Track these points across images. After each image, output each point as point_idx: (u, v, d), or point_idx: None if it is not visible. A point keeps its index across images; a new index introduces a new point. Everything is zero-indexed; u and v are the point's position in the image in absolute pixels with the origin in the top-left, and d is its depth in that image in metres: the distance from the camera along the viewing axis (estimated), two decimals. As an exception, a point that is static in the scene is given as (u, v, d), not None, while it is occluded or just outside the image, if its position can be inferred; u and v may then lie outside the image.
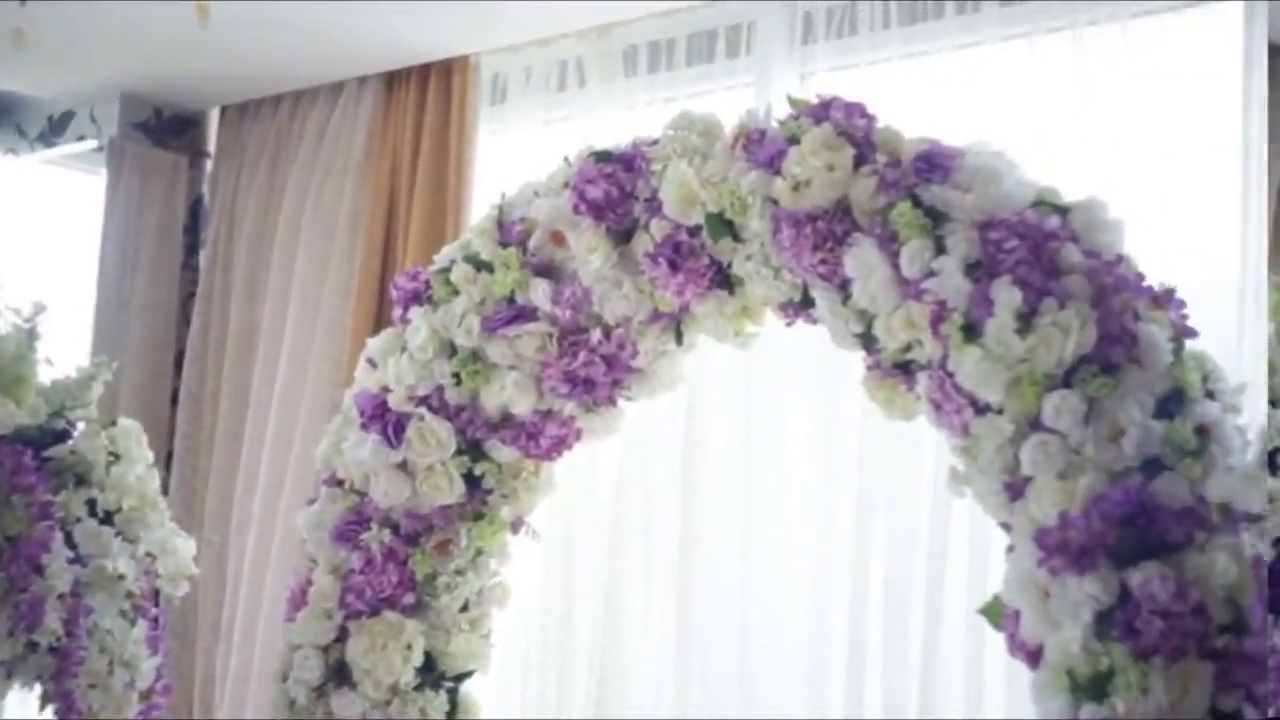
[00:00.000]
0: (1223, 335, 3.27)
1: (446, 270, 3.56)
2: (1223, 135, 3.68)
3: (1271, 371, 1.62)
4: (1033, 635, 2.67)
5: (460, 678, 3.68)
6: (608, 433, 3.68)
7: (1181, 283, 2.82)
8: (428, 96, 5.15)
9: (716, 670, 4.03)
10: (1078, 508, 2.57)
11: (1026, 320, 2.67)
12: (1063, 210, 2.84)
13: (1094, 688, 2.51)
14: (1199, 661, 2.45)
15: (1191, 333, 2.76)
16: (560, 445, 3.61)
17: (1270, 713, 1.46)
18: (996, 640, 2.87)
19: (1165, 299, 2.77)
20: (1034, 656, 2.70)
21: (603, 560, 4.26)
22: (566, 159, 3.49)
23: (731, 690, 3.98)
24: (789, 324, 3.29)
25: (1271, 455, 1.64)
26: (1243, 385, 2.78)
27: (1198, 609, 2.47)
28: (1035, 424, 2.68)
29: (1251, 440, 2.05)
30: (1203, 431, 2.62)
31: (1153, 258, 2.86)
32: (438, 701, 3.61)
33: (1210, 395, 2.72)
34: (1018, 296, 2.67)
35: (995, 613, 2.83)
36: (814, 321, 3.20)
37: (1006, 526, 2.81)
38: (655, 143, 3.34)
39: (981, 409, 2.76)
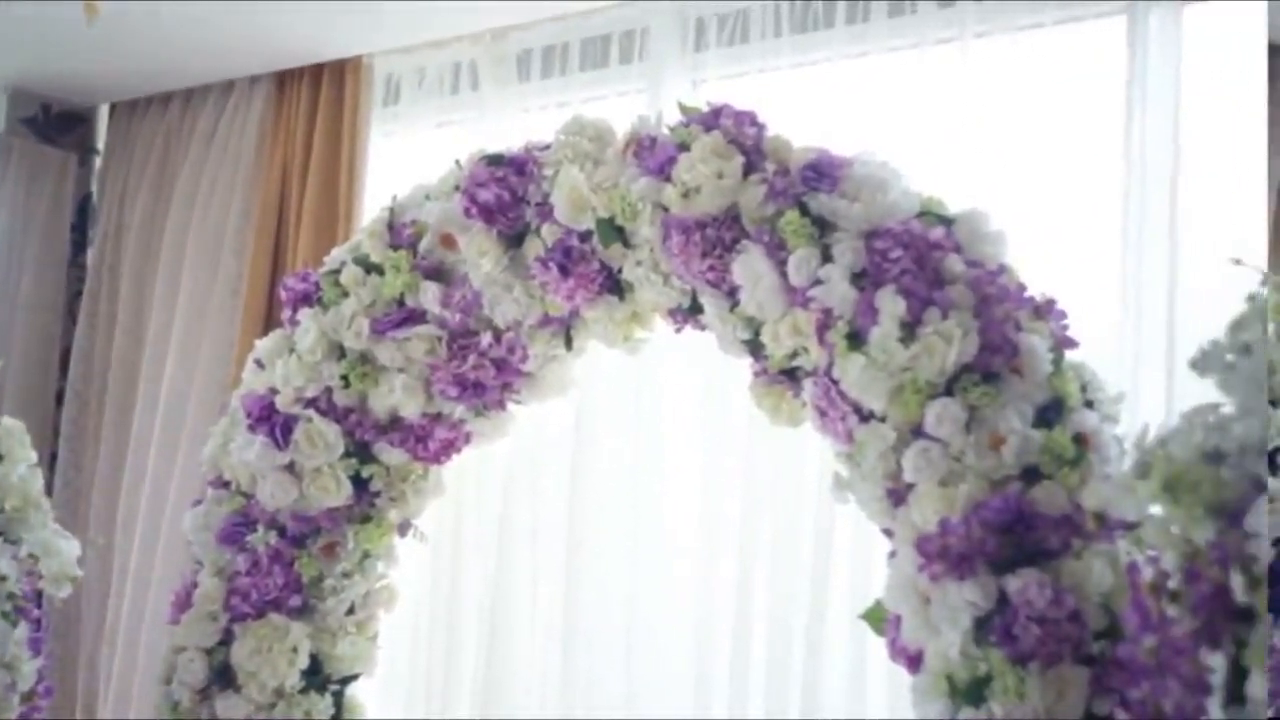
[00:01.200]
0: (1105, 343, 3.32)
1: (336, 272, 3.55)
2: (1107, 146, 3.73)
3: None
4: (913, 640, 2.71)
5: (346, 680, 3.67)
6: (497, 436, 3.69)
7: (1065, 291, 2.88)
8: (320, 97, 5.13)
9: (602, 673, 4.04)
10: (958, 514, 2.61)
11: (910, 329, 2.71)
12: (947, 221, 2.89)
13: (972, 692, 2.56)
14: (1074, 667, 2.50)
15: (1071, 343, 2.81)
16: (449, 448, 3.62)
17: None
18: (878, 645, 2.90)
19: (1046, 309, 2.82)
20: (914, 661, 2.74)
21: (490, 564, 4.27)
22: (458, 162, 3.50)
23: (617, 690, 3.99)
24: (678, 330, 3.32)
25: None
26: (1121, 395, 2.84)
27: (1074, 615, 2.51)
28: (917, 431, 2.72)
29: (1128, 449, 2.09)
30: (1081, 440, 2.67)
31: (1037, 266, 2.91)
32: (323, 704, 3.60)
33: (1089, 404, 2.77)
34: (902, 305, 2.71)
35: (877, 618, 2.87)
36: (702, 328, 3.22)
37: (889, 532, 2.85)
38: (547, 147, 3.36)
39: (865, 416, 2.79)
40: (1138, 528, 2.17)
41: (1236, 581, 1.58)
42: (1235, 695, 1.58)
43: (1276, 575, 1.52)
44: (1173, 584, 1.72)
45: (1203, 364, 1.81)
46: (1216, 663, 1.62)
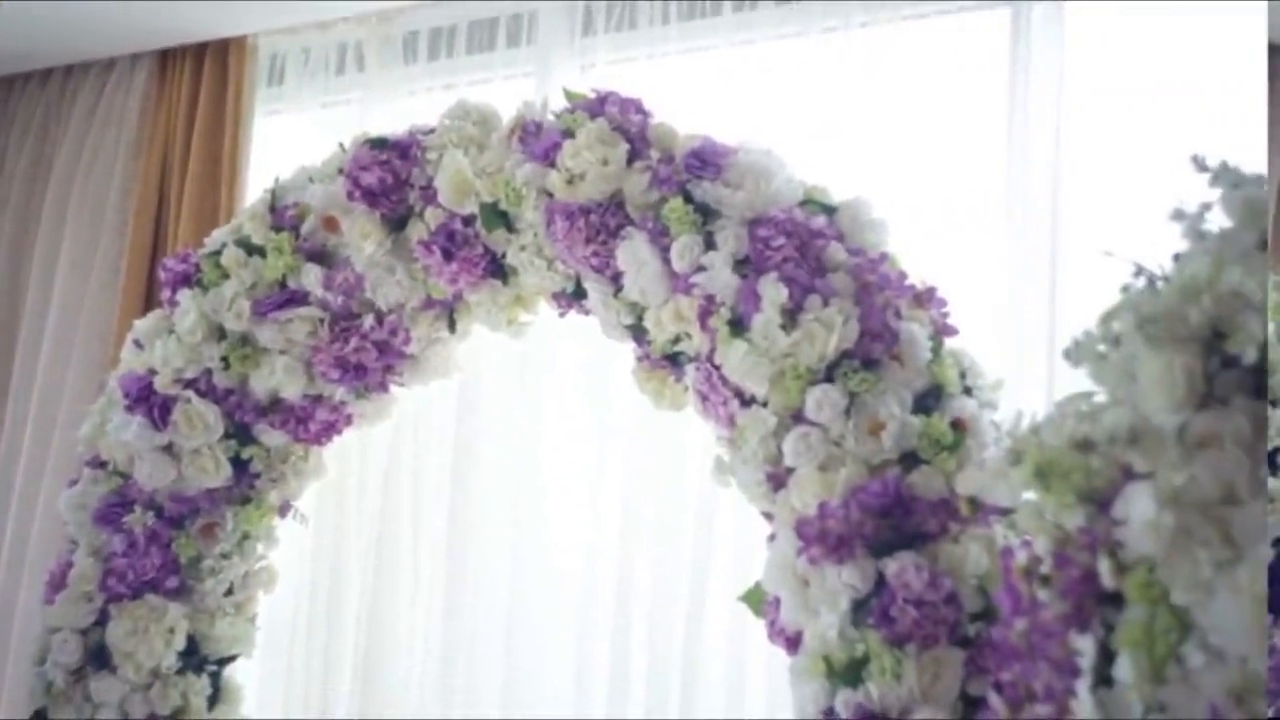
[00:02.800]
0: (986, 331, 3.35)
1: (217, 253, 3.53)
2: (991, 136, 3.77)
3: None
4: (792, 622, 2.75)
5: (224, 661, 3.66)
6: (379, 418, 3.69)
7: (946, 280, 2.92)
8: (203, 76, 5.07)
9: (483, 653, 4.04)
10: (837, 498, 2.65)
11: (792, 316, 2.75)
12: (829, 209, 2.93)
13: (849, 673, 2.59)
14: (950, 649, 2.54)
15: (951, 330, 2.86)
16: (330, 430, 3.62)
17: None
18: (758, 627, 2.93)
19: (926, 297, 2.85)
20: (793, 643, 2.77)
21: (371, 546, 4.25)
22: (342, 145, 3.50)
23: (498, 669, 3.99)
24: (561, 314, 3.34)
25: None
26: (999, 382, 2.88)
27: (950, 598, 2.56)
28: (798, 416, 2.76)
29: (1005, 434, 2.12)
30: (959, 426, 2.71)
31: (919, 255, 2.95)
32: (199, 685, 3.58)
33: (968, 391, 2.81)
34: (784, 293, 2.74)
35: (756, 600, 2.90)
36: (586, 312, 3.24)
37: (769, 516, 2.88)
38: (431, 131, 3.36)
39: (747, 401, 2.82)
40: (1012, 513, 2.21)
41: (1104, 567, 1.62)
42: (1103, 678, 1.62)
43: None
44: (1044, 569, 1.75)
45: (1075, 354, 1.84)
46: (1085, 646, 1.65)
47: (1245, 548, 1.45)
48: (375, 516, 4.25)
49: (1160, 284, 1.80)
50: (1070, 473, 1.70)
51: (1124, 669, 1.56)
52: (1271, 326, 1.76)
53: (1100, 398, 1.79)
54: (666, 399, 3.17)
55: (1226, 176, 1.81)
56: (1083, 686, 1.63)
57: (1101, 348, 1.81)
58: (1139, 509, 1.55)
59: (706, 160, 2.95)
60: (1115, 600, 1.62)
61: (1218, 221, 1.79)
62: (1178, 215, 1.79)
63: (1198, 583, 1.48)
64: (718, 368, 2.83)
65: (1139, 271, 1.84)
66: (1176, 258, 1.81)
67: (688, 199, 2.93)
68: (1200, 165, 1.83)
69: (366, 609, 4.20)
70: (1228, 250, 1.70)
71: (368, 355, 3.44)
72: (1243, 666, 1.41)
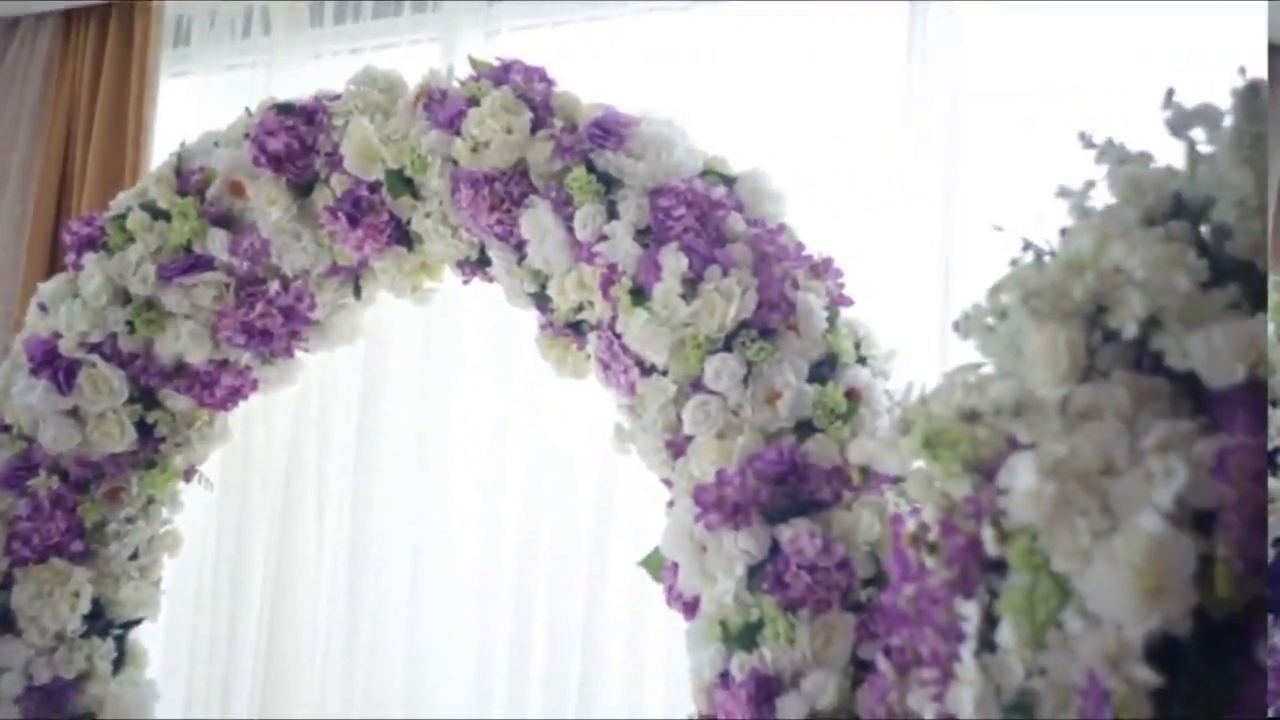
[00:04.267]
0: (881, 302, 3.39)
1: (122, 217, 3.52)
2: (888, 108, 3.80)
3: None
4: (689, 587, 2.79)
5: (129, 625, 3.66)
6: (284, 383, 3.70)
7: (843, 251, 2.96)
8: (107, 36, 5.03)
9: (388, 616, 4.05)
10: (734, 466, 2.69)
11: (692, 286, 2.78)
12: (729, 180, 2.96)
13: (744, 637, 2.64)
14: (842, 613, 2.60)
15: (847, 301, 2.90)
16: (235, 395, 3.62)
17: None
18: (657, 591, 2.97)
19: (823, 268, 2.90)
20: (690, 607, 2.81)
21: (276, 511, 4.25)
22: (248, 109, 3.49)
23: (401, 634, 4.01)
24: (466, 281, 3.35)
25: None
26: (893, 351, 2.93)
27: (843, 564, 2.61)
28: (697, 385, 2.80)
29: (895, 404, 2.16)
30: (853, 395, 2.76)
31: (817, 226, 2.99)
32: (105, 649, 3.58)
33: (862, 361, 2.86)
34: (684, 262, 2.78)
35: (655, 565, 2.94)
36: (490, 280, 3.26)
37: (668, 483, 2.92)
38: (338, 97, 3.36)
39: (647, 370, 2.86)
40: (903, 481, 2.26)
41: (988, 535, 1.65)
42: (986, 642, 1.66)
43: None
44: (931, 536, 1.78)
45: (964, 327, 1.88)
46: (970, 611, 1.69)
47: (1123, 517, 1.49)
48: (281, 482, 4.25)
49: (1047, 259, 1.84)
50: (957, 442, 1.73)
51: (1006, 634, 1.60)
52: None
53: (988, 369, 1.83)
54: (568, 367, 3.20)
55: (1112, 153, 1.86)
56: (966, 651, 1.67)
57: (989, 320, 1.84)
58: (1022, 478, 1.58)
59: (609, 130, 2.98)
60: (999, 567, 1.65)
61: (1103, 199, 1.83)
62: (1063, 192, 1.83)
63: (1077, 551, 1.51)
64: (619, 336, 2.86)
65: (1027, 246, 1.88)
66: (1063, 233, 1.85)
67: (590, 168, 2.96)
68: (1087, 142, 1.88)
69: (272, 574, 4.21)
70: (1111, 227, 1.73)
71: (273, 321, 3.45)
72: (1118, 633, 1.46)
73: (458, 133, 3.07)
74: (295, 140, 3.33)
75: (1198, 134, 1.76)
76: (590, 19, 4.25)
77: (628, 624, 3.72)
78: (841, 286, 2.91)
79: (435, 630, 3.97)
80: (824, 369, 2.78)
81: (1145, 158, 1.84)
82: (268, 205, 3.34)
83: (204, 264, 3.44)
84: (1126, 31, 3.46)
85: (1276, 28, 3.50)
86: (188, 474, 3.70)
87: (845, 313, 2.89)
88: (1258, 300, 1.60)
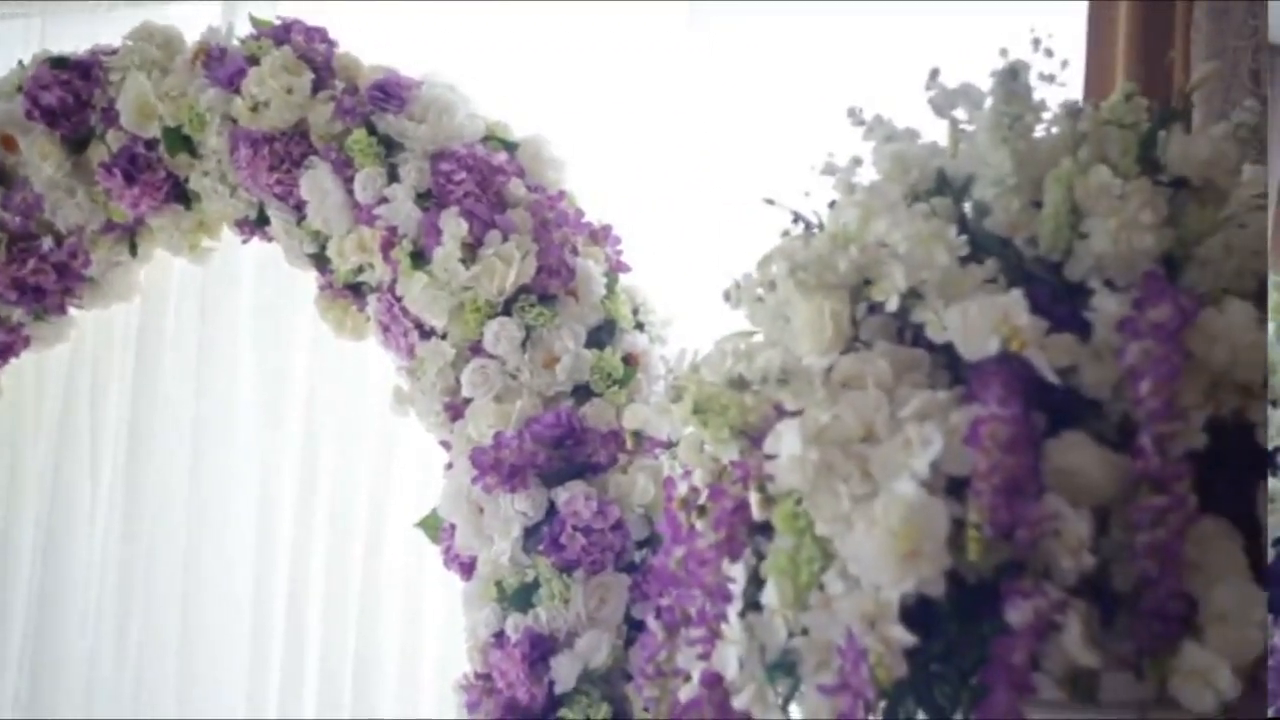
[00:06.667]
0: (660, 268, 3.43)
1: (-115, 171, 3.44)
2: (670, 76, 3.83)
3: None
4: (466, 548, 2.82)
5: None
6: (56, 341, 3.64)
7: (621, 218, 3.00)
8: (-128, -20, 4.91)
9: (163, 575, 3.98)
10: (512, 429, 2.72)
11: (471, 250, 2.81)
12: (510, 146, 2.98)
13: (520, 598, 2.68)
14: (616, 575, 2.65)
15: (625, 267, 2.95)
16: (6, 352, 3.57)
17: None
18: (436, 553, 2.99)
19: (603, 235, 2.94)
20: (467, 568, 2.85)
21: (48, 471, 4.17)
22: (21, 62, 3.42)
23: (175, 592, 3.95)
24: (245, 241, 3.33)
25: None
26: (669, 318, 2.98)
27: (617, 526, 2.66)
28: (476, 349, 2.83)
29: (669, 371, 2.20)
30: (630, 361, 2.81)
31: (598, 193, 3.03)
32: None
33: (640, 327, 2.91)
34: (464, 227, 2.80)
35: (432, 526, 2.97)
36: (269, 239, 3.24)
37: (446, 445, 2.94)
38: (114, 52, 3.31)
39: (426, 333, 2.88)
40: (675, 446, 2.30)
41: (754, 499, 1.70)
42: (752, 603, 1.70)
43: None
44: (701, 500, 1.82)
45: (735, 296, 1.92)
46: (737, 573, 1.73)
47: (882, 483, 1.54)
48: (53, 442, 4.18)
49: (815, 232, 1.89)
50: (726, 409, 1.77)
51: (771, 595, 1.65)
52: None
53: (758, 338, 1.87)
54: (348, 328, 3.20)
55: (880, 130, 1.91)
56: (733, 611, 1.71)
57: (759, 291, 1.89)
58: (787, 445, 1.62)
59: (390, 93, 2.98)
60: (765, 530, 1.70)
61: (870, 175, 1.88)
62: (829, 169, 1.88)
63: (838, 515, 1.56)
64: (399, 299, 2.88)
65: (796, 219, 1.93)
66: (831, 207, 1.90)
67: (371, 131, 2.96)
68: (856, 119, 1.93)
69: (44, 536, 4.13)
70: (876, 202, 1.78)
71: (46, 277, 3.39)
72: (876, 594, 1.51)
73: (237, 91, 3.05)
74: (70, 95, 3.28)
75: (960, 114, 1.82)
76: (374, -20, 4.22)
77: (405, 584, 3.72)
78: (619, 253, 2.95)
79: (210, 589, 3.92)
80: (602, 334, 2.83)
81: (911, 134, 1.89)
82: (41, 160, 3.29)
83: (-26, 219, 3.38)
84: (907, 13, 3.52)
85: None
86: (-46, 433, 3.63)
87: (623, 279, 2.93)
88: (1013, 276, 1.66)
